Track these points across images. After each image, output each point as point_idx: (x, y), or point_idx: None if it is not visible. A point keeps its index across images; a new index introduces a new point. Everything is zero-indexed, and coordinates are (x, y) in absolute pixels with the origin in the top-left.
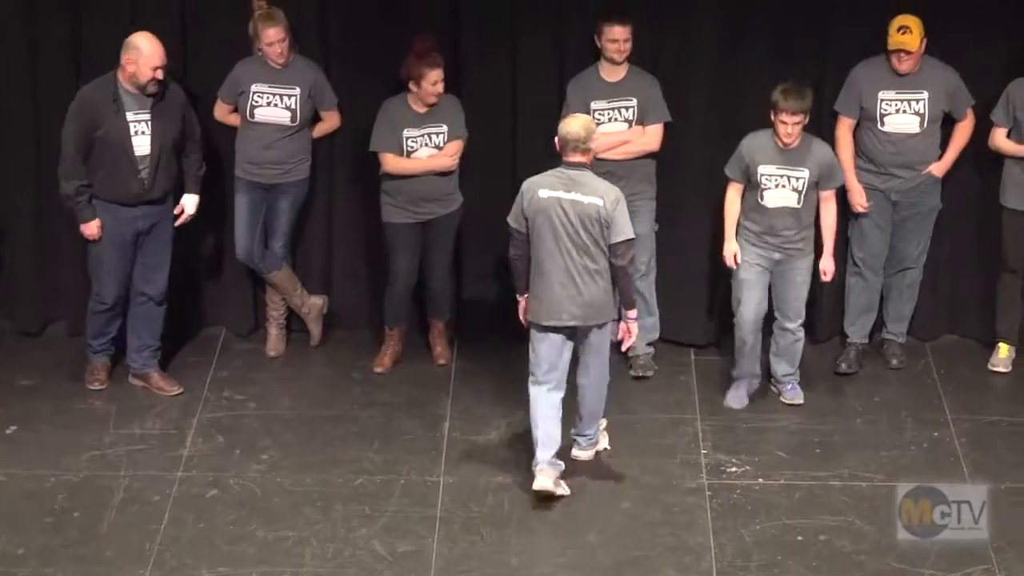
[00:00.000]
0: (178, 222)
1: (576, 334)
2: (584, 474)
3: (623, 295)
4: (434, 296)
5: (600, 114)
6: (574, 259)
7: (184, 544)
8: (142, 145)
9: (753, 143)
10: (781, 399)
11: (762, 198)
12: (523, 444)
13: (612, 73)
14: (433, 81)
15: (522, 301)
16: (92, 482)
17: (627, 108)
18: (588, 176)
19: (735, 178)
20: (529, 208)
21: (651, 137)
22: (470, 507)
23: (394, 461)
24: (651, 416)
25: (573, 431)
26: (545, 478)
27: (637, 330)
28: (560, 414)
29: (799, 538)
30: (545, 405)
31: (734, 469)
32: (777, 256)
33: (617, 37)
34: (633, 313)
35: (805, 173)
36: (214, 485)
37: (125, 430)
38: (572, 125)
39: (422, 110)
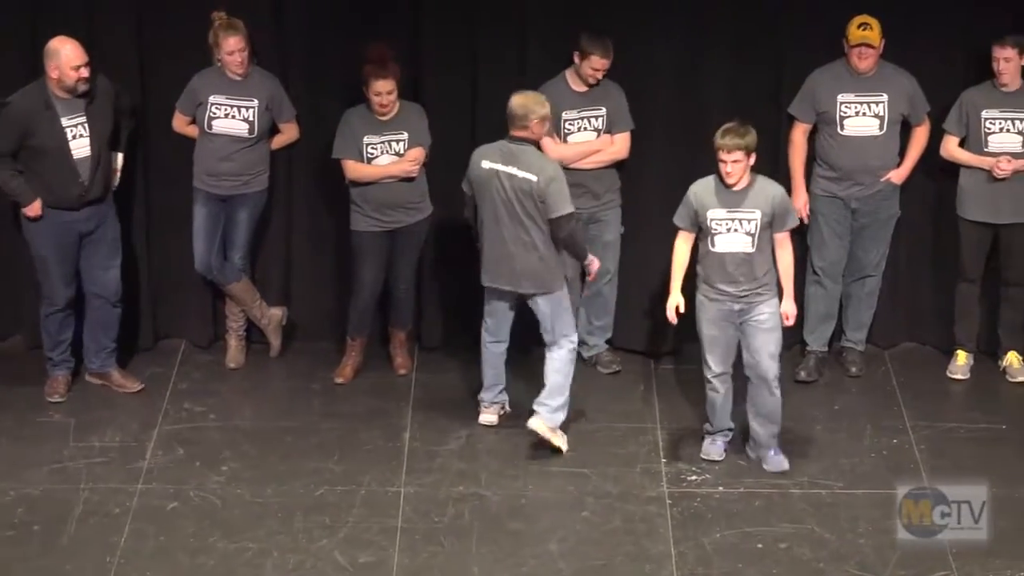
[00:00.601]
0: (114, 182)
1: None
2: (544, 484)
3: (574, 255)
4: (398, 305)
5: (571, 124)
6: (509, 229)
7: (145, 557)
8: (81, 148)
9: (700, 188)
10: (764, 467)
11: (713, 244)
12: (484, 454)
13: (582, 84)
14: (377, 91)
15: None
16: (52, 495)
17: (596, 117)
18: (529, 152)
19: (684, 227)
20: (472, 175)
21: (620, 145)
22: (431, 517)
23: (355, 472)
24: (611, 425)
25: (535, 401)
26: (489, 415)
27: (597, 266)
28: (503, 360)
29: (759, 546)
30: (489, 353)
31: (694, 478)
32: (738, 306)
33: (599, 68)
34: (589, 258)
35: (756, 215)
36: (174, 497)
37: (85, 443)
38: (514, 101)
39: (384, 117)
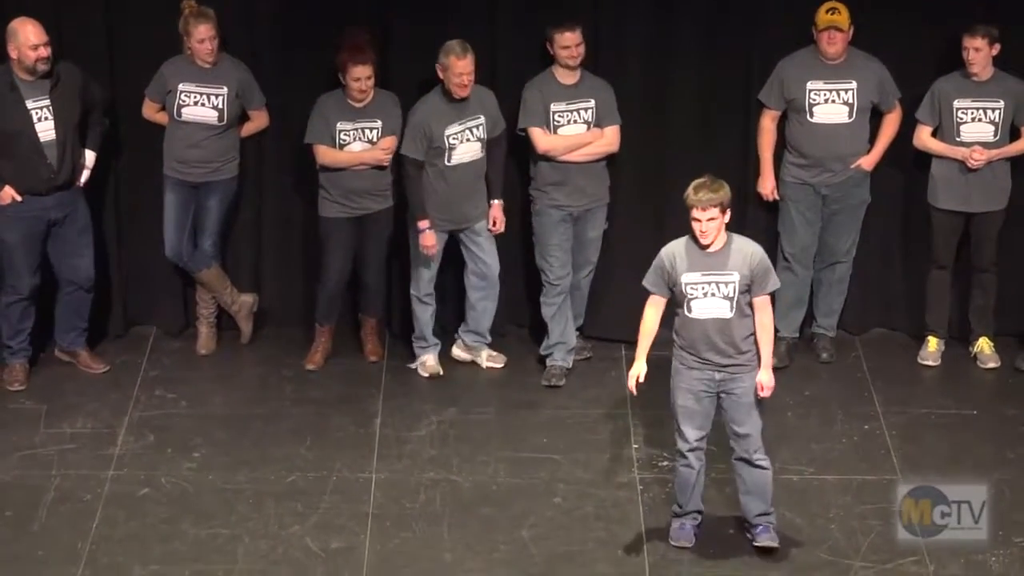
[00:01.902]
0: (81, 180)
1: None
2: (516, 470)
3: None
4: (367, 293)
5: (560, 116)
6: None
7: (116, 543)
8: (47, 131)
9: (673, 251)
10: (754, 544)
11: (689, 310)
12: (455, 440)
13: (568, 76)
14: (356, 77)
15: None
16: (23, 481)
17: (586, 110)
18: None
19: (655, 292)
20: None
21: (610, 139)
22: (403, 503)
23: (326, 458)
24: (582, 411)
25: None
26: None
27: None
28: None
29: (731, 532)
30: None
31: (666, 463)
32: (719, 376)
33: (569, 43)
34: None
35: (735, 277)
36: (146, 484)
37: (55, 429)
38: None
39: (359, 104)
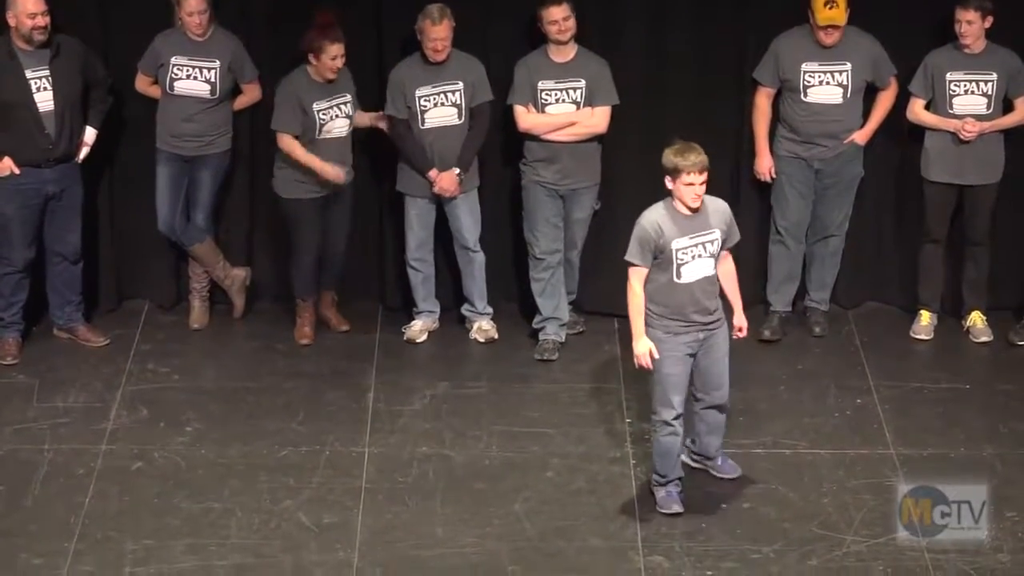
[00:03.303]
0: (80, 156)
1: None
2: (508, 444)
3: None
4: (329, 267)
5: (548, 94)
6: None
7: (109, 517)
8: (45, 101)
9: (656, 220)
10: (716, 474)
11: (679, 276)
12: (448, 415)
13: (561, 54)
14: (333, 55)
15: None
16: (15, 456)
17: (575, 89)
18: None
19: (642, 264)
20: None
21: (599, 119)
22: (395, 478)
23: (319, 432)
24: (575, 385)
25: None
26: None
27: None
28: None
29: (724, 506)
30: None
31: None
32: (702, 335)
33: (556, 18)
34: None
35: (716, 235)
36: (139, 458)
37: (48, 403)
38: None
39: (322, 82)
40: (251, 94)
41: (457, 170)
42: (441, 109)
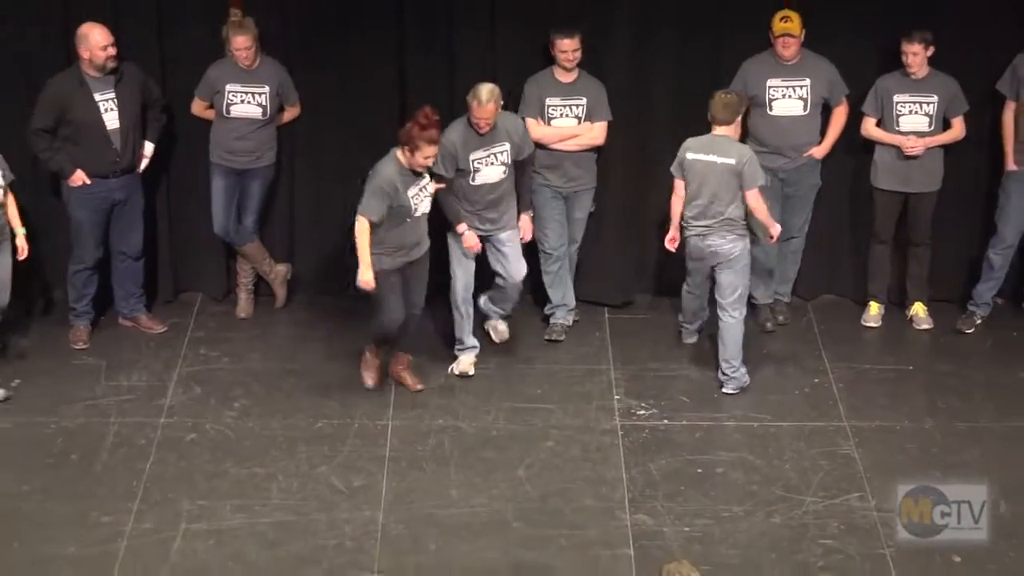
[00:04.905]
0: (140, 167)
1: None
2: (513, 418)
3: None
4: (409, 324)
5: (554, 109)
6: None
7: (167, 481)
8: (112, 120)
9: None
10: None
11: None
12: (461, 392)
13: (565, 76)
14: (427, 155)
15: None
16: (86, 428)
17: (578, 106)
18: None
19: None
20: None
21: (597, 132)
22: (415, 447)
23: (349, 407)
24: (571, 367)
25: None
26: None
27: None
28: None
29: (699, 471)
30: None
31: (643, 412)
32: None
33: (566, 48)
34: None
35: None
36: (193, 430)
37: (114, 382)
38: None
39: (417, 171)
40: (293, 112)
41: (531, 212)
42: (491, 168)
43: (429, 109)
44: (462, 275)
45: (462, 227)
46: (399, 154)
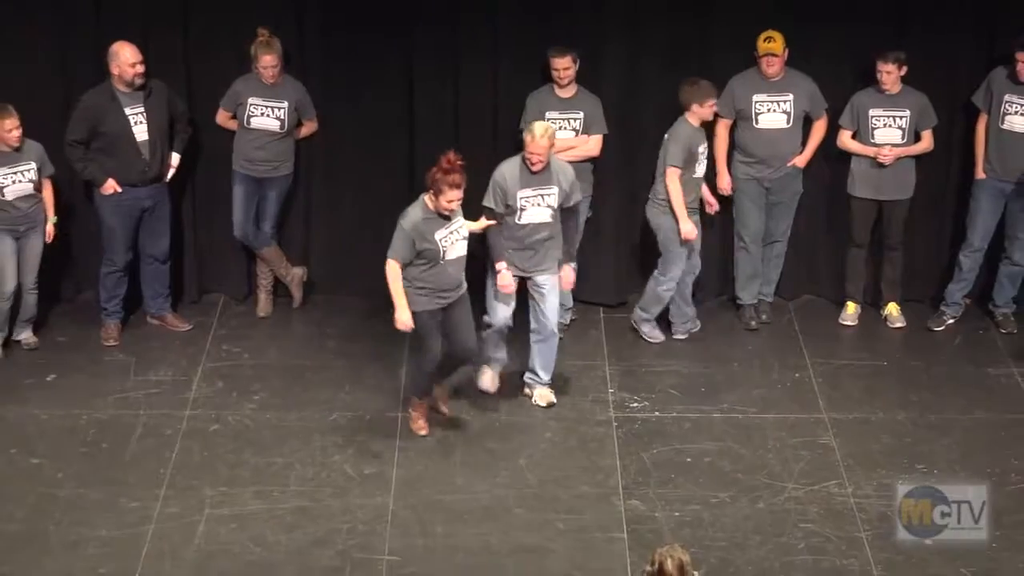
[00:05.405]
0: (167, 176)
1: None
2: (515, 410)
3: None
4: (460, 362)
5: (553, 122)
6: None
7: (192, 469)
8: (142, 133)
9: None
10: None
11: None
12: (467, 387)
13: (564, 91)
14: (450, 199)
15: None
16: (117, 419)
17: (575, 119)
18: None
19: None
20: None
21: (593, 145)
22: (423, 438)
23: (362, 400)
24: (568, 363)
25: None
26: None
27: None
28: None
29: (688, 460)
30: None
31: (636, 404)
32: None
33: (558, 67)
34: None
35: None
36: (216, 421)
37: (143, 377)
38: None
39: (444, 214)
40: (310, 128)
41: (574, 264)
42: (537, 209)
43: (452, 154)
44: (503, 311)
45: (500, 264)
46: (426, 198)
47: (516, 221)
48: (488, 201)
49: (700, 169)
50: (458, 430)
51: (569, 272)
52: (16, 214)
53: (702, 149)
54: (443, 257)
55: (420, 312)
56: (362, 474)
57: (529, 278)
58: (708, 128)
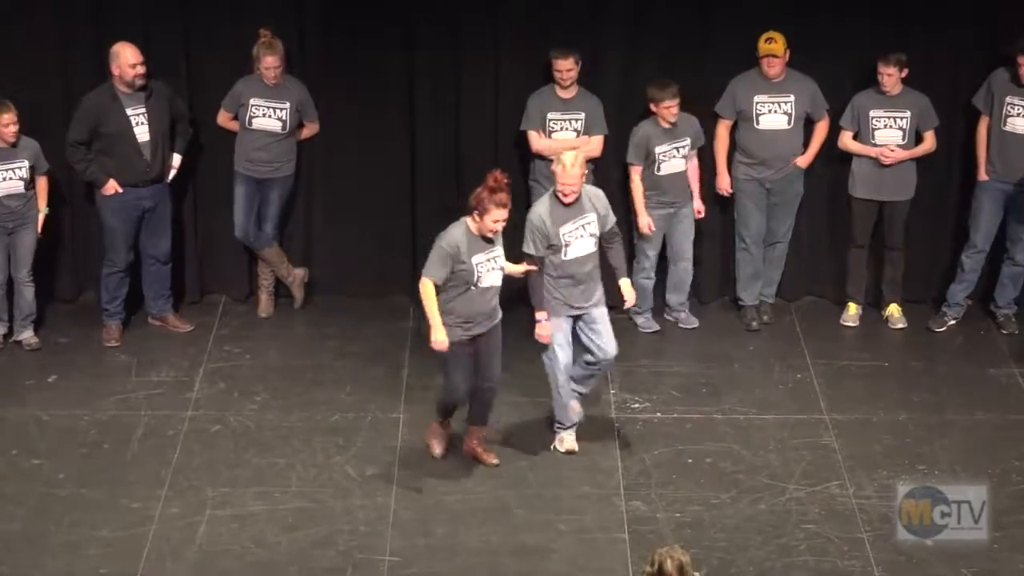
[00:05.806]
0: (169, 177)
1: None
2: (517, 412)
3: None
4: (484, 396)
5: (555, 123)
6: None
7: (193, 470)
8: (143, 133)
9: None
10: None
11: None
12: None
13: (565, 92)
14: (495, 219)
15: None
16: (118, 420)
17: (577, 120)
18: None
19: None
20: None
21: (594, 145)
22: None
23: (363, 401)
24: None
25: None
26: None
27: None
28: None
29: (689, 460)
30: None
31: (637, 405)
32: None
33: (561, 68)
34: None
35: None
36: (217, 422)
37: (144, 378)
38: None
39: (487, 236)
40: (312, 129)
41: (628, 279)
42: (581, 241)
43: (499, 172)
44: (563, 356)
45: (542, 315)
46: (469, 220)
47: (563, 258)
48: (528, 247)
49: (666, 168)
50: (460, 431)
51: (628, 285)
52: (3, 211)
53: (665, 148)
54: (477, 283)
55: (451, 343)
56: (363, 475)
57: (581, 316)
58: (708, 129)
